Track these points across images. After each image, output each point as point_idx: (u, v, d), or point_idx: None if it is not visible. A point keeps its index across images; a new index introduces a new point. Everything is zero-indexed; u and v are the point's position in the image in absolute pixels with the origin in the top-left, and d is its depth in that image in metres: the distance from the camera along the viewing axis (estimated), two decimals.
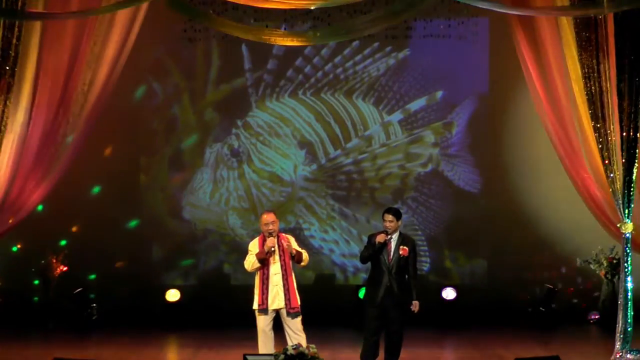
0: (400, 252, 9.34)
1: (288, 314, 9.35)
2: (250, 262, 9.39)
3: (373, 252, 9.39)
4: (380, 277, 9.38)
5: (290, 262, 9.43)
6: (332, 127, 14.40)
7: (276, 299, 9.34)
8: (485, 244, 14.37)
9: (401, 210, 9.88)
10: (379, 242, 9.34)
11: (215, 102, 14.56)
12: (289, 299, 9.33)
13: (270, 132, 14.42)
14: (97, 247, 14.16)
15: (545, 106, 11.40)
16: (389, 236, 9.41)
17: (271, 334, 9.43)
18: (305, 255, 9.56)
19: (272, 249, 9.30)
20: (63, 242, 14.09)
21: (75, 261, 13.89)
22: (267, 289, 9.34)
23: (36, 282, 14.03)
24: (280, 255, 9.37)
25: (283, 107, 14.41)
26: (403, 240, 9.44)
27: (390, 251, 9.39)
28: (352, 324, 12.66)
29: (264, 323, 9.39)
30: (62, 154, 11.45)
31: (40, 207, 13.01)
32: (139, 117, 14.52)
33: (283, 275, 9.35)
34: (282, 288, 9.33)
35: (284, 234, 9.58)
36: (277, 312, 9.40)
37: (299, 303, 9.45)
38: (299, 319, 9.41)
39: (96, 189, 14.27)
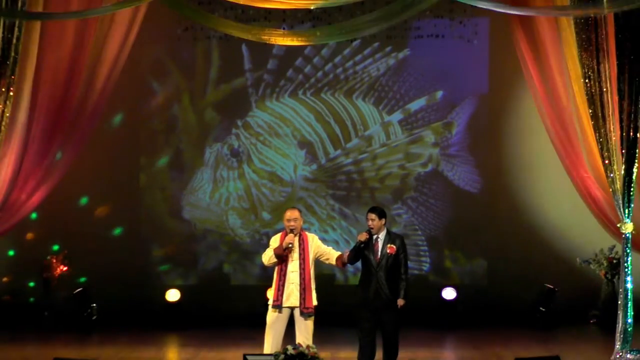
0: (388, 251, 9.29)
1: (302, 313, 9.25)
2: (268, 255, 9.29)
3: (355, 250, 9.34)
4: (369, 278, 9.32)
5: (310, 262, 9.32)
6: (332, 127, 14.40)
7: (291, 297, 9.24)
8: (485, 244, 14.37)
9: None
10: (360, 241, 9.30)
11: (215, 102, 14.56)
12: (304, 299, 9.23)
13: (270, 132, 14.42)
14: (97, 247, 14.15)
15: (545, 106, 11.40)
16: (374, 235, 9.34)
17: (280, 333, 9.31)
18: (338, 253, 9.48)
19: (290, 245, 9.23)
20: (59, 244, 14.05)
21: (75, 261, 13.88)
22: (283, 285, 9.25)
23: (31, 283, 14.04)
24: (300, 254, 9.28)
25: (283, 107, 14.41)
26: (390, 238, 9.39)
27: (378, 251, 9.32)
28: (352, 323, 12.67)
29: (274, 319, 9.28)
30: (63, 154, 11.45)
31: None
32: (139, 117, 14.52)
33: (300, 274, 9.25)
34: (298, 287, 9.23)
35: (307, 233, 9.52)
36: (292, 311, 9.34)
37: (315, 304, 9.32)
38: (311, 321, 9.31)
39: (96, 189, 14.25)
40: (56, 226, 14.09)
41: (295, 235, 9.29)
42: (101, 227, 14.29)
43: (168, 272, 14.54)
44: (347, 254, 9.38)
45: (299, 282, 9.25)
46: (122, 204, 14.32)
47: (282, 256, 9.25)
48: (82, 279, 14.02)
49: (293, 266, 9.28)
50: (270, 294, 9.43)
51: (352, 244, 14.06)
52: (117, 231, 14.35)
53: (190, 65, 14.49)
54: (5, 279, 14.04)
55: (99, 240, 14.17)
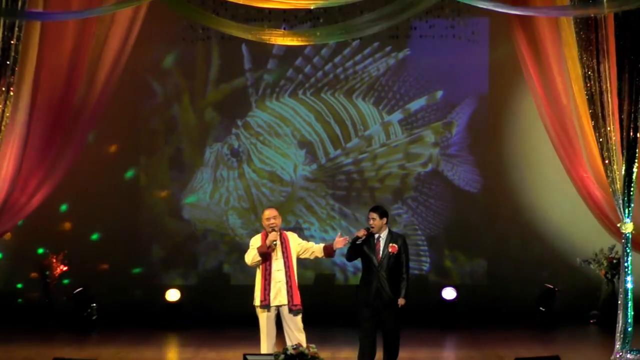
0: (389, 250, 9.29)
1: (290, 310, 9.25)
2: (252, 255, 9.25)
3: (351, 246, 9.32)
4: (370, 277, 9.31)
5: (293, 260, 9.33)
6: (332, 127, 14.41)
7: (278, 296, 9.23)
8: (485, 244, 14.37)
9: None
10: (357, 236, 9.30)
11: (215, 102, 14.57)
12: (292, 296, 9.23)
13: (270, 132, 14.43)
14: (97, 246, 14.16)
15: (545, 106, 11.39)
16: (376, 235, 9.34)
17: (274, 332, 9.33)
18: (321, 245, 9.52)
19: (275, 242, 9.23)
20: (59, 244, 14.03)
21: (75, 261, 13.88)
22: (269, 285, 9.24)
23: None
24: (283, 252, 9.27)
25: (283, 107, 14.42)
26: (392, 238, 9.38)
27: (379, 251, 9.30)
28: (352, 323, 12.67)
29: (266, 320, 9.28)
30: (63, 154, 11.45)
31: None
32: (139, 117, 14.53)
33: (286, 272, 9.24)
34: (284, 285, 9.23)
35: (285, 232, 9.52)
36: (278, 309, 9.35)
37: (301, 300, 9.36)
38: (300, 317, 9.32)
39: (96, 189, 14.24)
40: (56, 226, 14.10)
41: (277, 232, 9.29)
42: (101, 227, 14.29)
43: (168, 272, 14.55)
44: (337, 243, 9.34)
45: (285, 280, 9.25)
46: (121, 204, 14.31)
47: (267, 254, 9.24)
48: (82, 279, 14.01)
49: (278, 264, 9.27)
50: (257, 295, 9.39)
51: None
52: (117, 231, 14.33)
53: (190, 65, 14.50)
54: (5, 279, 14.07)
55: (98, 240, 14.17)
